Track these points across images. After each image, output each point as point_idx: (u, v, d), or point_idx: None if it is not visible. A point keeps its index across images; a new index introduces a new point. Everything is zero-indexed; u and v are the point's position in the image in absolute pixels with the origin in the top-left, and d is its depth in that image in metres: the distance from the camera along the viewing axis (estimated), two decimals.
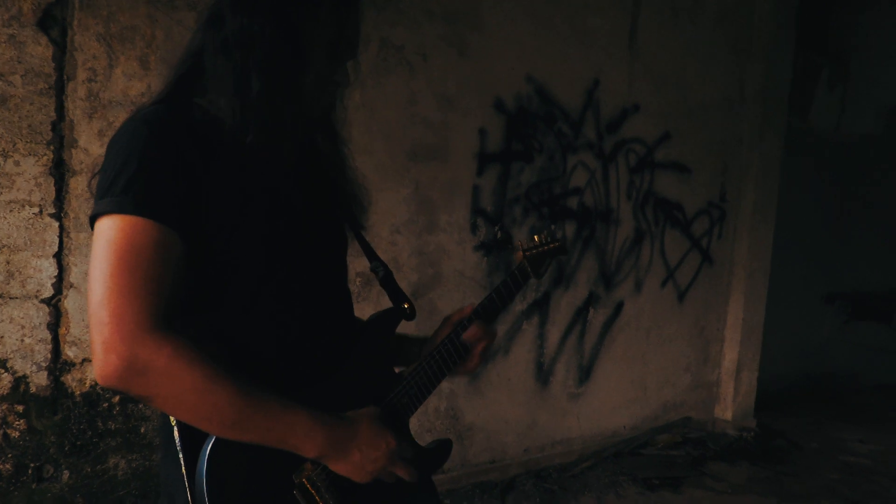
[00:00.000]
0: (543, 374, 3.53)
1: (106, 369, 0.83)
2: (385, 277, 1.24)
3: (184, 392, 0.86)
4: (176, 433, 0.94)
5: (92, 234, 0.91)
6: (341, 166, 1.17)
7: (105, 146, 2.11)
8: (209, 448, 0.91)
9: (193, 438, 0.92)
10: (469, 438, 3.25)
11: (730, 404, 4.44)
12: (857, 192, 6.39)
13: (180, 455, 0.93)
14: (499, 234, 3.27)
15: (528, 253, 1.36)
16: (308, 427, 0.94)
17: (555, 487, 3.38)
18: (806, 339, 6.19)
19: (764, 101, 4.35)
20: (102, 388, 2.28)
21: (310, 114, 1.07)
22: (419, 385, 1.16)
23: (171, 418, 0.96)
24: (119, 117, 2.22)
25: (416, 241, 2.99)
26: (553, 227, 3.47)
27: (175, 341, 0.86)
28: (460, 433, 3.20)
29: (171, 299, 0.89)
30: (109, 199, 0.89)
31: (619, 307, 3.83)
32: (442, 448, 1.19)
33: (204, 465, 0.91)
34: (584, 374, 3.72)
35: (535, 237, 1.40)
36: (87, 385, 2.27)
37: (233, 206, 0.96)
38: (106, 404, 2.29)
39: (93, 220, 0.91)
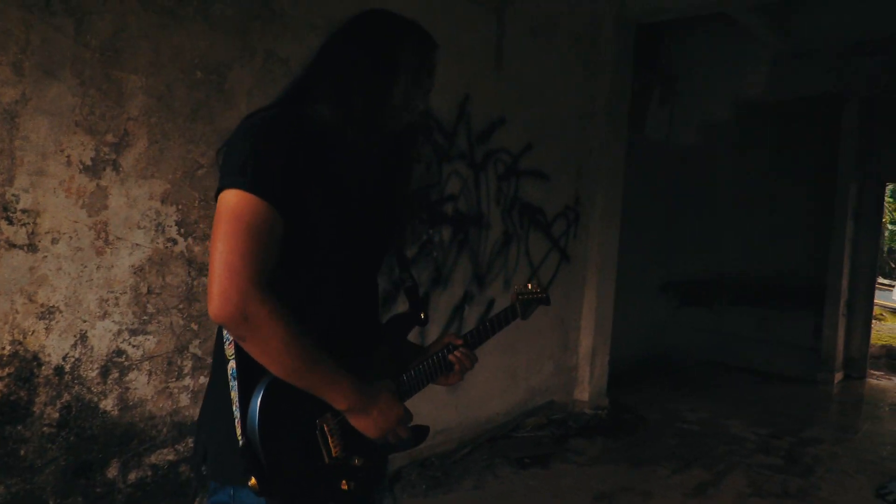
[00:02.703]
0: None
1: (220, 311, 1.06)
2: (411, 288, 1.50)
3: (272, 340, 1.08)
4: (232, 365, 1.16)
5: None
6: (405, 180, 1.41)
7: None
8: (266, 386, 1.14)
9: (246, 372, 1.14)
10: None
11: (586, 386, 4.96)
12: (685, 194, 7.33)
13: (234, 383, 1.15)
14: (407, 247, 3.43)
15: (520, 297, 1.59)
16: (346, 388, 1.18)
17: (438, 474, 3.62)
18: (646, 323, 7.01)
19: (609, 114, 4.90)
20: None
21: (395, 128, 1.33)
22: (416, 380, 1.42)
23: (229, 352, 1.17)
24: None
25: None
26: (431, 231, 3.69)
27: (274, 300, 1.08)
28: None
29: (274, 266, 1.12)
30: (240, 178, 1.11)
31: (490, 303, 4.16)
32: (421, 430, 1.42)
33: (260, 395, 1.13)
34: None
35: (528, 285, 1.62)
36: None
37: (321, 196, 1.19)
38: None
39: (225, 188, 1.12)
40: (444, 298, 3.84)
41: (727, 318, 7.42)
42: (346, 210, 1.23)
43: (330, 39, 1.31)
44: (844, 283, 6.80)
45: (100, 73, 2.31)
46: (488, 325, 1.53)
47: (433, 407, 3.82)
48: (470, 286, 4.00)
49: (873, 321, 7.64)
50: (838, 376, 6.80)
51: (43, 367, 2.26)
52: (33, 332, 2.23)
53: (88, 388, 2.37)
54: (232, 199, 1.10)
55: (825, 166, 6.78)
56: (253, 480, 1.10)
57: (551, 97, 4.49)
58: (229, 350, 1.17)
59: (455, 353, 1.46)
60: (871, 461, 4.35)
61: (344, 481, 1.22)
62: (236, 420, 1.13)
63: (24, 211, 2.17)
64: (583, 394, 4.97)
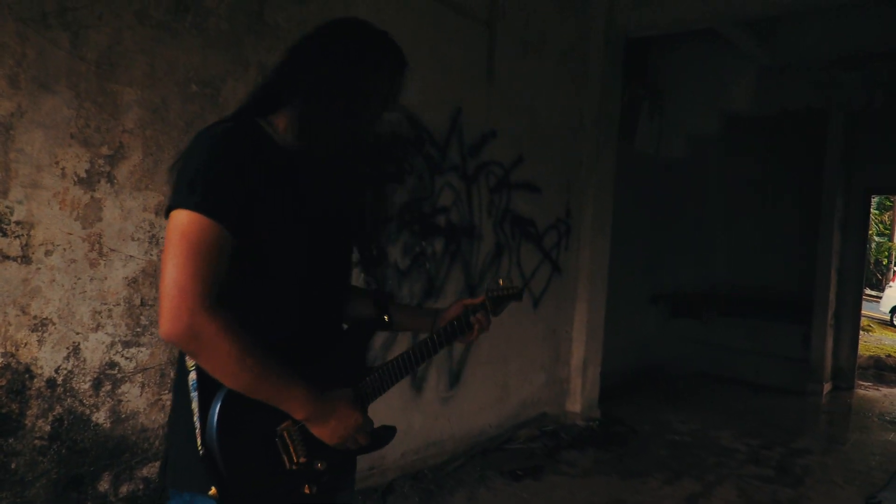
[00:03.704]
0: (417, 380, 3.76)
1: (171, 330, 1.08)
2: (374, 292, 1.52)
3: (223, 356, 1.10)
4: (193, 376, 1.17)
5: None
6: (375, 192, 1.45)
7: None
8: (225, 393, 1.15)
9: (206, 383, 1.16)
10: None
11: (578, 398, 4.97)
12: (674, 206, 7.40)
13: (194, 394, 1.16)
14: (374, 252, 3.45)
15: (490, 295, 1.57)
16: (303, 399, 1.19)
17: (431, 487, 3.61)
18: (636, 335, 7.04)
19: (599, 127, 4.96)
20: None
21: (364, 141, 1.33)
22: (382, 380, 1.41)
23: (189, 364, 1.18)
24: None
25: None
26: (423, 243, 3.72)
27: (223, 317, 1.10)
28: None
29: (223, 284, 1.13)
30: (188, 197, 1.12)
31: None
32: (387, 431, 1.43)
33: (218, 404, 1.15)
34: (454, 378, 4.01)
35: (500, 281, 1.60)
36: None
37: (276, 210, 1.19)
38: None
39: (172, 208, 1.13)
40: None
41: (717, 330, 7.47)
42: (304, 223, 1.23)
43: (299, 46, 1.31)
44: (832, 294, 6.87)
45: (95, 85, 2.32)
46: (456, 322, 1.52)
47: (425, 419, 3.83)
48: (462, 297, 4.00)
49: (861, 332, 7.72)
50: (827, 387, 6.85)
51: (35, 380, 2.25)
52: (26, 344, 2.22)
53: (81, 401, 2.36)
54: (180, 220, 1.11)
55: (811, 179, 6.88)
56: (213, 490, 1.12)
57: (542, 110, 4.55)
58: (189, 361, 1.18)
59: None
60: (860, 471, 4.38)
61: (307, 485, 1.24)
62: (197, 430, 1.15)
63: (17, 223, 2.17)
64: (575, 405, 4.99)
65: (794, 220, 7.08)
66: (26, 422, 2.24)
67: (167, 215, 1.14)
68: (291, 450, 1.22)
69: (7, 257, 2.16)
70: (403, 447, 3.69)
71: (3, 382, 2.18)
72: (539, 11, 4.47)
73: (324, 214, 1.27)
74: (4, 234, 2.16)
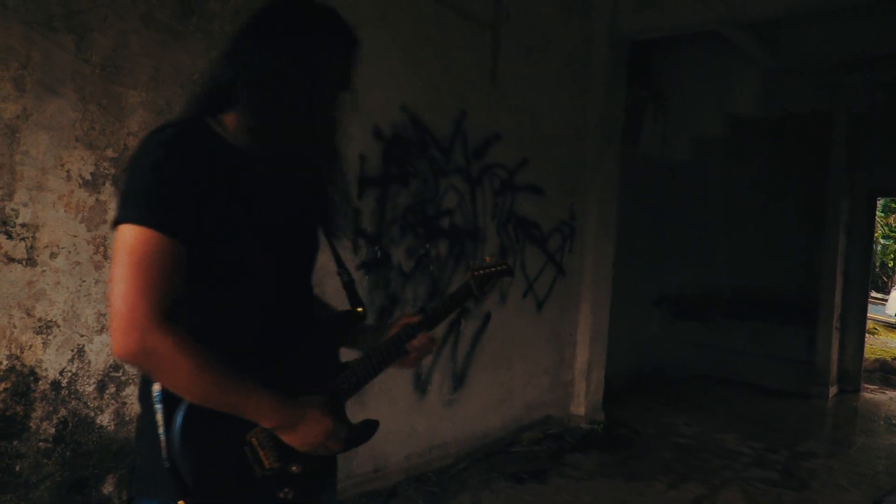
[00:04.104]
0: (421, 383, 3.75)
1: (122, 349, 1.04)
2: (348, 284, 1.46)
3: (179, 372, 1.07)
4: (156, 387, 1.13)
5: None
6: (328, 182, 1.34)
7: None
8: (185, 407, 1.11)
9: (169, 394, 1.12)
10: (353, 450, 3.37)
11: (583, 401, 4.96)
12: (678, 208, 7.39)
13: (158, 405, 1.12)
14: (378, 254, 3.45)
15: (476, 273, 1.53)
16: (269, 407, 1.16)
17: (435, 489, 3.60)
18: (640, 337, 7.03)
19: (602, 130, 4.95)
20: None
21: (315, 135, 1.25)
22: (360, 375, 1.38)
23: None
24: None
25: None
26: (428, 245, 3.71)
27: (176, 332, 1.06)
28: None
29: (176, 297, 1.09)
30: (134, 210, 1.07)
31: (486, 318, 4.17)
32: (369, 426, 1.41)
33: (180, 418, 1.11)
34: (458, 381, 4.00)
35: (487, 258, 1.56)
36: None
37: (230, 214, 1.14)
38: None
39: (116, 223, 1.08)
40: None
41: (721, 332, 7.44)
42: (259, 224, 1.18)
43: (239, 36, 1.22)
44: (837, 297, 6.84)
45: (100, 88, 2.33)
46: (443, 303, 1.50)
47: (429, 421, 3.82)
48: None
49: (867, 335, 7.69)
50: (832, 390, 6.82)
51: (40, 382, 2.25)
52: (30, 346, 2.22)
53: (85, 403, 2.36)
54: (126, 235, 1.06)
55: (816, 181, 6.85)
56: (181, 503, 1.10)
57: (546, 113, 4.54)
58: None
59: (413, 342, 1.44)
60: (866, 475, 4.36)
61: (282, 490, 1.21)
62: (162, 441, 1.11)
63: (23, 225, 2.18)
64: (579, 408, 4.97)
65: (797, 223, 7.05)
66: (31, 424, 2.24)
67: (112, 228, 1.09)
68: (262, 456, 1.19)
69: (12, 259, 2.17)
70: (407, 450, 3.68)
71: (8, 385, 2.18)
72: (542, 14, 4.48)
73: (283, 215, 1.23)
74: (9, 237, 2.16)
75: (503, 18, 4.11)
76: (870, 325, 10.25)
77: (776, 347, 7.09)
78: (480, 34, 4.00)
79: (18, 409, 2.21)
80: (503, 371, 4.35)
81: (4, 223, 2.15)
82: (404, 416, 3.65)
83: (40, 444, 2.26)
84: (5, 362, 2.17)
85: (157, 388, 1.13)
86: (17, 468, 2.24)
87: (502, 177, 4.21)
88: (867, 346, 7.96)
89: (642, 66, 6.27)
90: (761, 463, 4.47)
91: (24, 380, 2.22)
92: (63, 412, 2.31)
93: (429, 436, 3.82)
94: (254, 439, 1.18)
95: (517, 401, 4.50)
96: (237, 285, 1.19)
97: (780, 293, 7.15)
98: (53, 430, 2.29)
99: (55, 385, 2.28)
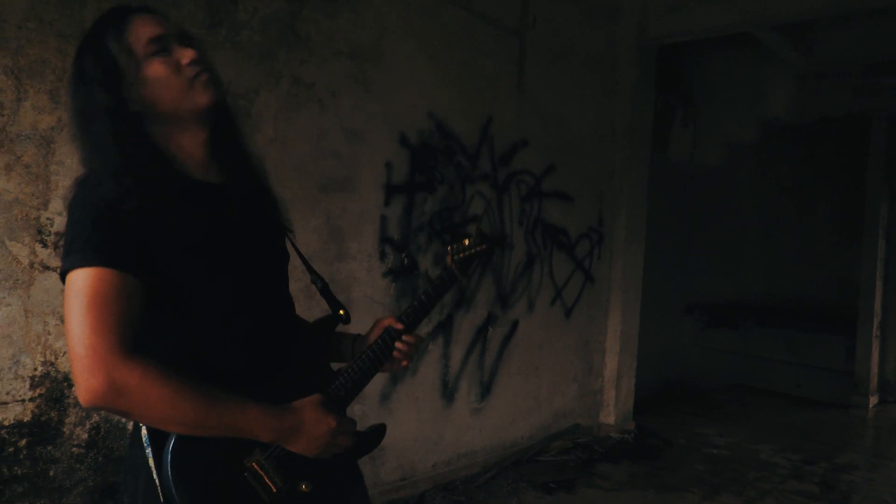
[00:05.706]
0: (448, 391, 3.73)
1: (88, 394, 0.99)
2: (323, 289, 1.43)
3: (155, 403, 1.02)
4: (144, 430, 1.10)
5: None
6: (266, 183, 1.33)
7: (11, 180, 2.07)
8: (172, 443, 1.07)
9: (159, 434, 1.08)
10: (380, 458, 3.37)
11: (612, 409, 4.88)
12: (708, 215, 7.26)
13: (148, 449, 1.08)
14: (405, 261, 3.45)
15: (456, 258, 1.45)
16: (262, 420, 1.11)
17: (462, 499, 3.57)
18: (670, 345, 6.91)
19: (631, 136, 4.89)
20: (8, 433, 2.18)
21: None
22: (353, 381, 1.32)
23: None
24: (27, 151, 2.17)
25: (327, 269, 3.09)
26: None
27: (143, 363, 1.01)
28: (372, 454, 3.30)
29: (136, 328, 1.05)
30: (74, 255, 1.04)
31: (514, 325, 4.13)
32: (377, 432, 1.37)
33: (168, 457, 1.06)
34: (485, 389, 3.97)
35: (466, 240, 1.45)
36: None
37: (174, 241, 1.11)
38: (12, 448, 2.19)
39: (63, 274, 1.06)
40: (468, 320, 3.82)
41: (754, 341, 7.27)
42: (202, 245, 1.14)
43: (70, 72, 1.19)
44: (877, 303, 6.64)
45: None
46: (424, 298, 1.41)
47: (457, 430, 3.79)
48: (493, 307, 3.98)
49: None
50: (873, 400, 6.61)
51: (73, 388, 2.28)
52: (65, 353, 2.26)
53: None
54: (73, 280, 1.03)
55: (852, 186, 6.68)
56: None
57: (573, 119, 4.51)
58: None
59: (398, 343, 1.38)
60: None
61: None
62: (157, 486, 1.07)
63: (58, 234, 2.22)
64: (608, 417, 4.89)
65: (833, 229, 6.87)
66: (65, 430, 2.28)
67: (62, 278, 1.06)
68: (266, 480, 1.13)
69: (47, 268, 2.21)
70: (434, 458, 3.66)
71: (43, 391, 2.22)
72: (569, 20, 4.44)
73: (230, 232, 1.19)
74: (45, 245, 2.20)
75: (529, 25, 4.09)
76: None
77: (812, 356, 6.90)
78: (507, 40, 3.99)
79: (53, 414, 2.25)
80: (531, 379, 4.30)
81: (40, 232, 2.20)
82: (431, 425, 3.63)
83: (73, 449, 2.30)
84: (40, 368, 2.22)
85: (145, 432, 1.09)
86: (52, 473, 2.28)
87: (529, 183, 4.18)
88: None
89: (671, 72, 6.18)
90: (799, 475, 4.34)
91: (58, 386, 2.26)
92: (95, 418, 2.34)
93: (456, 444, 3.79)
94: (254, 464, 1.12)
95: (545, 409, 4.44)
96: (198, 308, 1.14)
97: (815, 300, 6.97)
98: (86, 435, 2.32)
99: None
